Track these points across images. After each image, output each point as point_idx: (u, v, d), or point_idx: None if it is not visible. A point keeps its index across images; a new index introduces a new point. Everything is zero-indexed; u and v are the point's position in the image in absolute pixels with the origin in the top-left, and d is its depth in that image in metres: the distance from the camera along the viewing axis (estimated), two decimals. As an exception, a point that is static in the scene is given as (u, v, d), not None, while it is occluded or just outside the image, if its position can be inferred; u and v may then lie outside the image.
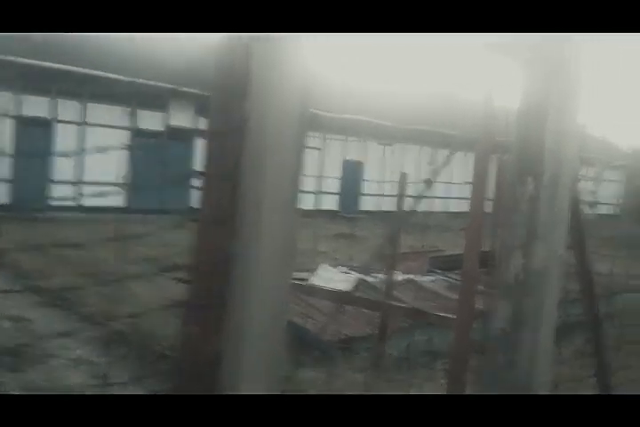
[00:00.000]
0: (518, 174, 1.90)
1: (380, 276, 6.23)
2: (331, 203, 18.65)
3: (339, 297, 2.42)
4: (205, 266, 1.21)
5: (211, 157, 1.26)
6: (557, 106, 1.79)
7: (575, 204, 2.10)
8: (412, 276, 6.19)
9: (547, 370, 1.99)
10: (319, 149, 18.67)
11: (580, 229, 2.24)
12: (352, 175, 19.24)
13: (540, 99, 1.78)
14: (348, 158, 19.33)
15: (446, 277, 6.38)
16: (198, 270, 1.21)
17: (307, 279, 5.41)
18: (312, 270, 5.92)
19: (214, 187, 1.25)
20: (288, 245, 1.27)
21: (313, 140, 18.19)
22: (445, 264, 6.71)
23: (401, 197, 3.68)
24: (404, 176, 3.67)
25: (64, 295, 5.51)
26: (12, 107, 12.92)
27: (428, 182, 2.37)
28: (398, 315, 2.36)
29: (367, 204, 19.59)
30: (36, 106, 13.21)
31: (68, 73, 13.00)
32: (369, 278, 5.61)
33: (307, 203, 17.95)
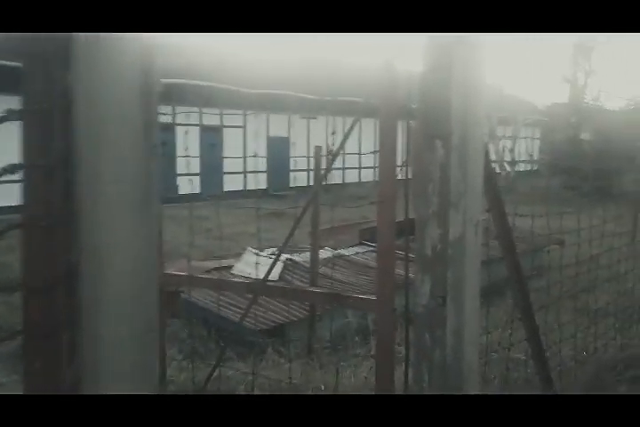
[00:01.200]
0: (426, 138, 1.78)
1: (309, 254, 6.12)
2: (260, 182, 18.36)
3: (250, 288, 2.22)
4: (37, 282, 0.96)
5: (28, 144, 1.00)
6: (461, 64, 1.68)
7: (487, 165, 1.99)
8: (342, 250, 6.09)
9: (474, 343, 1.91)
10: (241, 126, 18.26)
11: (495, 191, 2.14)
12: (279, 152, 18.97)
13: (442, 58, 1.66)
14: (272, 135, 19.02)
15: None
16: (30, 289, 0.97)
17: (232, 266, 5.20)
18: (239, 255, 5.70)
19: (38, 182, 1.00)
20: (146, 244, 1.04)
21: (234, 117, 17.73)
22: (403, 230, 6.62)
23: (317, 170, 3.52)
24: (318, 149, 3.50)
25: None
26: None
27: (335, 153, 2.20)
28: (317, 301, 2.20)
29: (297, 180, 19.44)
30: None
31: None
32: (297, 258, 5.46)
33: (235, 183, 17.63)
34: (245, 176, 18.24)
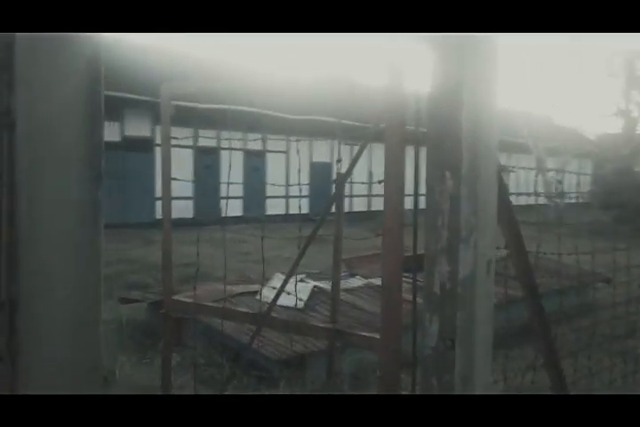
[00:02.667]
0: (434, 167, 1.66)
1: (342, 281, 5.98)
2: (302, 206, 18.39)
3: (253, 318, 2.13)
4: None
5: None
6: (473, 86, 1.56)
7: (503, 197, 1.85)
8: (372, 280, 5.93)
9: (485, 390, 1.75)
10: (284, 151, 18.45)
11: (513, 225, 1.99)
12: (321, 177, 19.01)
13: (451, 78, 1.55)
14: (315, 160, 19.11)
15: (410, 278, 6.10)
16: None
17: (257, 291, 5.12)
18: (268, 280, 5.62)
19: None
20: (87, 274, 0.97)
21: (277, 143, 17.95)
22: (411, 265, 6.43)
23: (339, 197, 3.42)
24: (340, 176, 3.40)
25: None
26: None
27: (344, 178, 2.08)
28: (320, 336, 2.08)
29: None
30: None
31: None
32: (326, 286, 5.34)
33: (277, 207, 17.73)
34: (287, 200, 18.32)
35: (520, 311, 2.46)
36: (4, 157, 0.94)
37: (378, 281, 6.11)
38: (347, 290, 5.47)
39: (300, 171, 17.72)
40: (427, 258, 1.73)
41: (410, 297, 2.10)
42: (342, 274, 6.47)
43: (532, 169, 20.56)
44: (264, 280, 5.88)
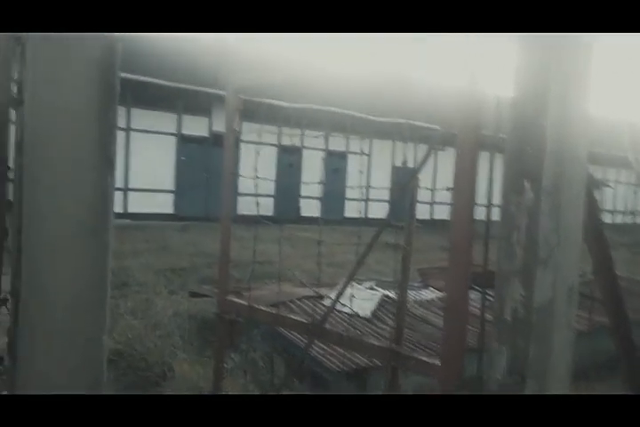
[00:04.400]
0: (512, 177, 1.47)
1: (413, 292, 5.74)
2: (381, 211, 18.16)
3: (307, 329, 1.99)
4: None
5: None
6: (560, 95, 1.37)
7: (592, 214, 1.61)
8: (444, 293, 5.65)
9: None
10: (367, 154, 18.28)
11: (603, 247, 1.73)
12: (403, 182, 18.67)
13: (538, 87, 1.37)
14: (398, 164, 18.81)
15: (488, 294, 5.75)
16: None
17: (325, 296, 5.00)
18: (336, 285, 5.50)
19: None
20: (94, 273, 0.88)
21: (356, 143, 17.82)
22: (490, 280, 6.08)
23: (412, 204, 3.22)
24: (414, 180, 3.21)
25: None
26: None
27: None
28: (374, 356, 1.92)
29: (421, 213, 18.95)
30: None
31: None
32: (395, 296, 5.13)
33: (356, 210, 17.59)
34: (367, 204, 18.13)
35: (607, 340, 2.18)
36: (13, 142, 0.86)
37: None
38: (417, 302, 5.24)
39: (363, 173, 17.48)
40: (498, 279, 1.55)
41: (478, 314, 1.90)
42: (415, 285, 6.22)
43: (631, 185, 19.10)
44: (333, 285, 5.76)
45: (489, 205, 1.67)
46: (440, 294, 5.82)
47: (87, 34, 0.85)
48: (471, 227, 1.65)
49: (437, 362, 1.75)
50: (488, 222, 1.68)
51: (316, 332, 2.02)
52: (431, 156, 2.02)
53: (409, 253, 3.37)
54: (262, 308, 2.29)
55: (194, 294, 5.40)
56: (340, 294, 3.11)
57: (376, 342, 1.89)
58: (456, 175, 1.59)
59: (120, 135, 14.03)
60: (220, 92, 13.52)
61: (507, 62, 1.46)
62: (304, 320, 2.11)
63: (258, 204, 2.48)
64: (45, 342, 0.90)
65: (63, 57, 0.84)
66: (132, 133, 14.33)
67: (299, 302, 4.84)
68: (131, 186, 14.34)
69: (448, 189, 1.54)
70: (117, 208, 14.07)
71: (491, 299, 1.87)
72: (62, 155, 0.85)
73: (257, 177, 2.57)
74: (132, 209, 14.27)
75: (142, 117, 14.35)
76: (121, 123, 14.01)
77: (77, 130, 0.86)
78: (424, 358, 1.79)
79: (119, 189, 14.11)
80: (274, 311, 2.25)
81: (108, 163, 0.90)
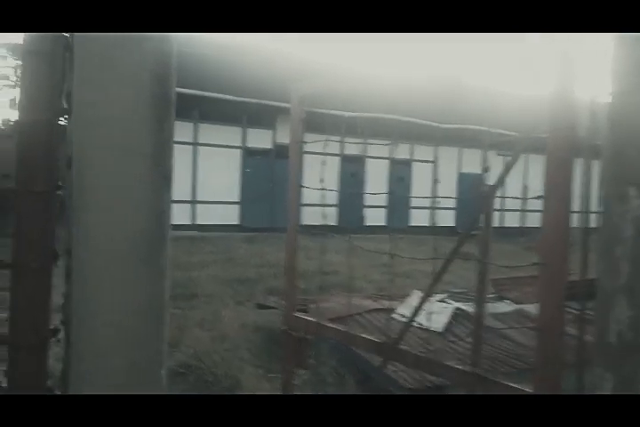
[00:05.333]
0: (614, 185, 1.30)
1: (488, 304, 5.46)
2: (448, 219, 17.71)
3: (378, 348, 1.84)
4: (28, 336, 0.78)
5: (24, 166, 0.81)
6: None
7: None
8: (524, 305, 5.32)
9: None
10: (432, 161, 17.92)
11: None
12: (470, 189, 18.18)
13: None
14: (464, 171, 18.31)
15: (572, 308, 5.39)
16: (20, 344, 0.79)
17: (393, 309, 4.82)
18: (406, 296, 5.30)
19: (32, 209, 0.82)
20: (151, 291, 0.79)
21: (424, 150, 17.49)
22: (574, 291, 5.71)
23: (489, 211, 3.03)
24: (488, 188, 3.01)
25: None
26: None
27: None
28: (455, 381, 1.74)
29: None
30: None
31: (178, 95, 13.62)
32: (469, 308, 4.88)
33: (422, 218, 17.25)
34: (433, 212, 17.73)
35: None
36: (62, 156, 0.78)
37: (531, 308, 5.48)
38: (492, 315, 4.97)
39: (432, 181, 17.12)
40: (600, 297, 1.37)
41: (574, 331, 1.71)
42: (489, 296, 5.92)
43: None
44: (401, 297, 5.57)
45: (585, 213, 1.50)
46: (517, 307, 5.50)
47: (139, 38, 0.77)
48: (567, 238, 1.48)
49: (529, 390, 1.58)
50: (586, 230, 1.50)
51: (390, 353, 1.87)
52: (515, 162, 1.85)
53: (485, 265, 3.17)
54: (331, 325, 2.17)
55: (260, 306, 5.36)
56: (416, 312, 2.96)
57: (458, 366, 1.72)
58: (547, 182, 1.42)
59: (188, 149, 14.41)
60: (283, 105, 13.65)
61: (599, 62, 1.31)
62: (376, 340, 1.97)
63: (324, 214, 2.38)
64: (99, 375, 0.81)
65: (112, 62, 0.75)
66: (200, 148, 14.68)
67: (367, 316, 4.69)
68: (198, 198, 14.67)
69: (538, 198, 1.38)
70: (185, 220, 14.42)
71: (588, 312, 1.69)
72: (113, 171, 0.76)
73: (321, 188, 2.47)
74: (199, 221, 14.59)
75: (209, 132, 14.69)
76: (188, 137, 14.39)
77: (129, 144, 0.77)
78: (515, 386, 1.61)
79: (187, 201, 14.47)
80: (343, 329, 2.12)
81: (164, 179, 0.81)
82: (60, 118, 0.84)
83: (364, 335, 2.01)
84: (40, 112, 0.83)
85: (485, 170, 1.93)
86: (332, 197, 15.25)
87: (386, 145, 14.15)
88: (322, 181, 2.46)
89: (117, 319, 0.80)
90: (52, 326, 0.86)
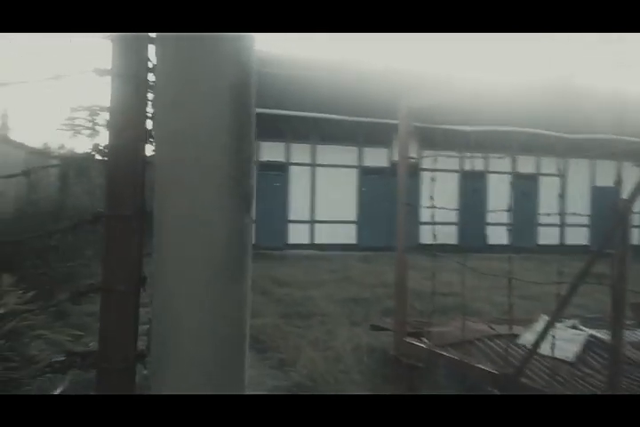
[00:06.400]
0: None
1: (627, 331, 4.90)
2: (581, 237, 16.44)
3: (494, 380, 1.65)
4: (115, 358, 0.79)
5: (111, 191, 0.83)
6: None
7: None
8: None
9: None
10: (559, 175, 16.80)
11: None
12: (605, 205, 16.75)
13: None
14: (597, 185, 16.94)
15: None
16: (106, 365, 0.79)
17: (517, 335, 4.47)
18: (531, 322, 4.92)
19: (117, 233, 0.83)
20: (234, 311, 0.77)
21: (551, 163, 16.45)
22: None
23: (626, 226, 2.71)
24: (624, 202, 2.68)
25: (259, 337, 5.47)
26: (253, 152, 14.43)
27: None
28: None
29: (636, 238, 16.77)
30: (272, 151, 14.52)
31: (296, 118, 14.06)
32: (605, 336, 4.40)
33: (551, 237, 16.16)
34: (563, 229, 16.56)
35: None
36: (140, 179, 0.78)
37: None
38: (632, 344, 4.44)
39: (558, 196, 15.94)
40: None
41: None
42: (627, 323, 5.32)
43: None
44: (527, 321, 5.18)
45: None
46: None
47: (217, 49, 0.74)
48: None
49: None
50: None
51: (509, 385, 1.70)
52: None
53: (622, 287, 2.83)
54: (443, 352, 2.03)
55: (375, 328, 5.24)
56: (542, 338, 2.70)
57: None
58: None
59: (306, 171, 14.80)
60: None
61: None
62: (492, 370, 1.79)
63: (434, 234, 2.25)
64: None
65: (191, 78, 0.74)
66: (317, 168, 15.00)
67: (488, 342, 4.39)
68: (316, 218, 14.94)
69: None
70: (304, 240, 14.73)
71: None
72: (191, 193, 0.74)
73: (431, 205, 2.35)
74: (317, 240, 14.82)
75: (326, 152, 14.98)
76: (307, 159, 14.78)
77: (207, 164, 0.75)
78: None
79: (306, 221, 14.80)
80: (456, 356, 1.96)
81: (244, 201, 0.77)
82: (146, 141, 0.84)
83: (479, 365, 1.85)
84: (127, 136, 0.83)
85: (617, 183, 1.72)
86: (451, 215, 14.79)
87: (499, 158, 13.47)
88: (432, 198, 2.34)
89: (197, 346, 0.77)
90: (138, 350, 0.85)
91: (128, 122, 0.82)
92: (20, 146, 11.27)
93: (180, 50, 0.75)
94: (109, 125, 0.83)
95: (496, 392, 3.13)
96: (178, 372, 0.78)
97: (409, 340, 2.24)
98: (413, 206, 14.14)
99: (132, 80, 0.81)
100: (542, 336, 3.26)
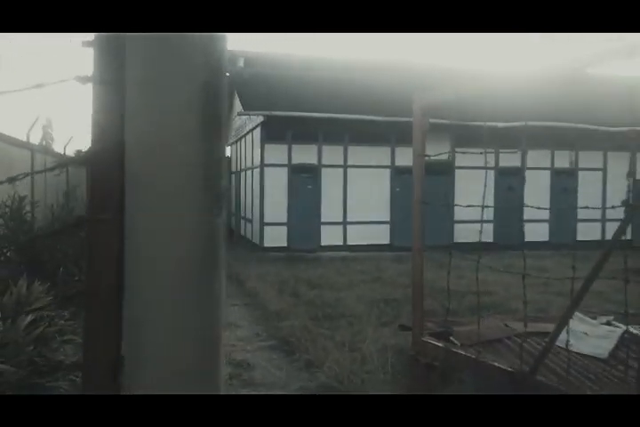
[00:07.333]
0: None
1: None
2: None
3: (513, 380, 1.63)
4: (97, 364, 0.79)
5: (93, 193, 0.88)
6: None
7: None
8: None
9: None
10: (600, 169, 16.33)
11: None
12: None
13: None
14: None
15: None
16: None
17: (549, 333, 4.36)
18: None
19: (99, 238, 0.87)
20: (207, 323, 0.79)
21: (591, 157, 16.00)
22: None
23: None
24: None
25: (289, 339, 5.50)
26: (286, 155, 14.51)
27: None
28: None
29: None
30: (304, 153, 14.57)
31: (327, 120, 14.07)
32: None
33: (592, 232, 15.71)
34: (604, 224, 16.07)
35: None
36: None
37: None
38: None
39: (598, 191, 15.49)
40: None
41: None
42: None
43: None
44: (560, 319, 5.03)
45: None
46: None
47: (187, 50, 0.76)
48: None
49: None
50: None
51: (525, 384, 1.67)
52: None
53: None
54: (460, 351, 2.01)
55: (403, 328, 5.21)
56: (556, 335, 2.63)
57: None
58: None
59: (339, 172, 14.78)
60: (432, 121, 13.44)
61: None
62: (508, 369, 1.77)
63: (460, 232, 2.21)
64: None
65: (158, 76, 0.76)
66: (350, 169, 14.97)
67: (518, 340, 4.31)
68: (349, 219, 14.91)
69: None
70: (337, 241, 14.72)
71: None
72: (161, 195, 0.76)
73: (469, 204, 2.32)
74: (350, 241, 14.79)
75: (358, 153, 14.94)
76: (339, 160, 14.78)
77: (177, 165, 0.76)
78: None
79: (338, 222, 14.79)
80: (473, 355, 1.95)
81: (217, 202, 0.79)
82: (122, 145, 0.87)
83: (495, 363, 1.83)
84: (106, 141, 0.86)
85: (630, 174, 1.65)
86: (488, 213, 14.54)
87: (536, 153, 13.14)
88: (445, 195, 2.31)
89: (170, 346, 0.79)
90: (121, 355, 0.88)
91: (108, 128, 0.85)
92: (59, 156, 11.64)
93: (148, 50, 0.77)
94: (92, 131, 0.86)
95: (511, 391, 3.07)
96: (151, 372, 0.80)
97: (426, 339, 2.23)
98: (446, 204, 13.93)
99: (111, 85, 0.84)
100: (569, 333, 3.20)
